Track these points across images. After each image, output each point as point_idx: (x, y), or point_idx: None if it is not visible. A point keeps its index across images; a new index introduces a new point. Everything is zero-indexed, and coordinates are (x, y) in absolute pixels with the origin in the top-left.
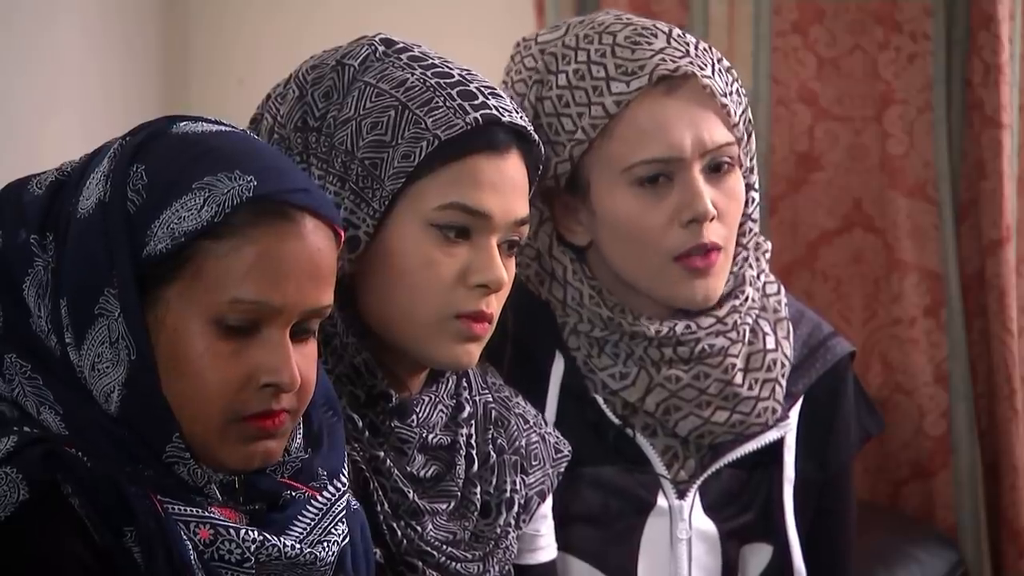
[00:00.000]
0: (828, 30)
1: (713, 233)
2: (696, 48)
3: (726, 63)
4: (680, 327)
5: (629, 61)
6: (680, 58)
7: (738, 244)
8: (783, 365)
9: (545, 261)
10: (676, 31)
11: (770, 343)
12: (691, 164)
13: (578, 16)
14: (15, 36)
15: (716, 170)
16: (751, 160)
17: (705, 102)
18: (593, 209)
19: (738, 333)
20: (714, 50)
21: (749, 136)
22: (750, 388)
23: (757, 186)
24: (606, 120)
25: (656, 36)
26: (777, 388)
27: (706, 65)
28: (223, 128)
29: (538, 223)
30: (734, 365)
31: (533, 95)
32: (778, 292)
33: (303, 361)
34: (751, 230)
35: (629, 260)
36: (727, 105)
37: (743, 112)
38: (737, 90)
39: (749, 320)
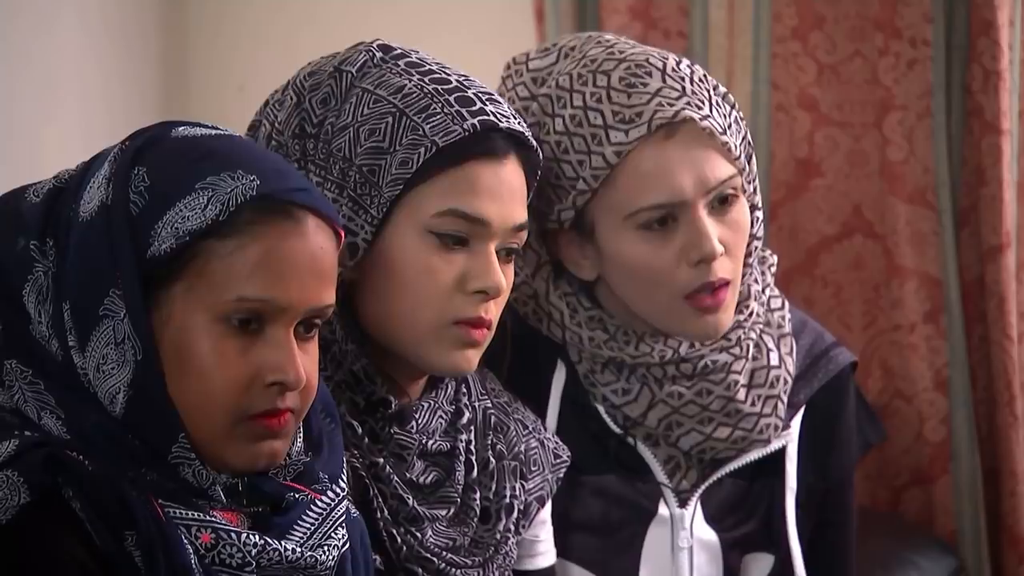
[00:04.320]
0: (828, 36)
1: (721, 269)
2: (692, 82)
3: (722, 90)
4: (684, 347)
5: (626, 108)
6: (677, 99)
7: (744, 264)
8: (786, 382)
9: (543, 303)
10: (671, 64)
11: (774, 359)
12: (695, 204)
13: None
14: (15, 37)
15: (722, 203)
16: (753, 182)
17: (705, 142)
18: (600, 248)
19: (742, 348)
20: (710, 79)
21: (750, 160)
22: (752, 404)
23: (760, 204)
24: (607, 170)
25: (651, 75)
26: (779, 404)
27: (704, 102)
28: (221, 132)
29: (535, 266)
30: (737, 381)
31: None
32: (782, 307)
33: (307, 360)
34: (756, 248)
35: (639, 298)
36: (727, 142)
37: (743, 140)
38: (736, 119)
39: (753, 335)
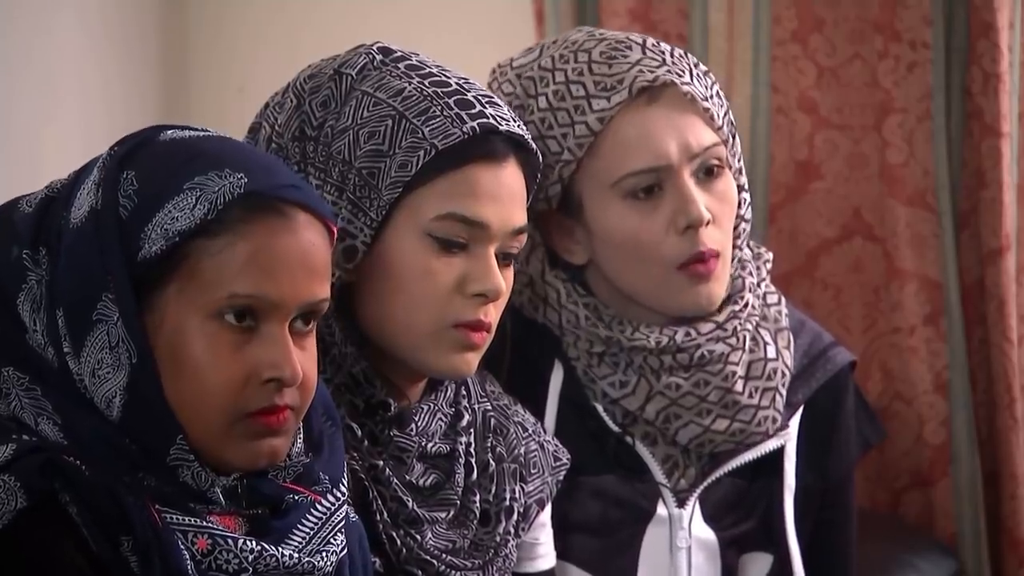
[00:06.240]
0: (828, 39)
1: (710, 239)
2: (672, 56)
3: (703, 68)
4: (680, 335)
5: (607, 76)
6: (657, 67)
7: (734, 247)
8: (783, 375)
9: (538, 287)
10: (651, 41)
11: (771, 352)
12: (680, 170)
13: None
14: (15, 37)
15: (707, 174)
16: (739, 161)
17: (687, 107)
18: (589, 227)
19: (738, 339)
20: (690, 56)
21: (734, 137)
22: (750, 396)
23: (747, 185)
24: (591, 138)
25: (631, 48)
26: (777, 397)
27: (684, 71)
28: (209, 133)
29: (529, 249)
30: (734, 372)
31: None
32: (779, 303)
33: (304, 356)
34: (745, 231)
35: (630, 273)
36: (709, 108)
37: (725, 114)
38: (717, 92)
39: (749, 327)
